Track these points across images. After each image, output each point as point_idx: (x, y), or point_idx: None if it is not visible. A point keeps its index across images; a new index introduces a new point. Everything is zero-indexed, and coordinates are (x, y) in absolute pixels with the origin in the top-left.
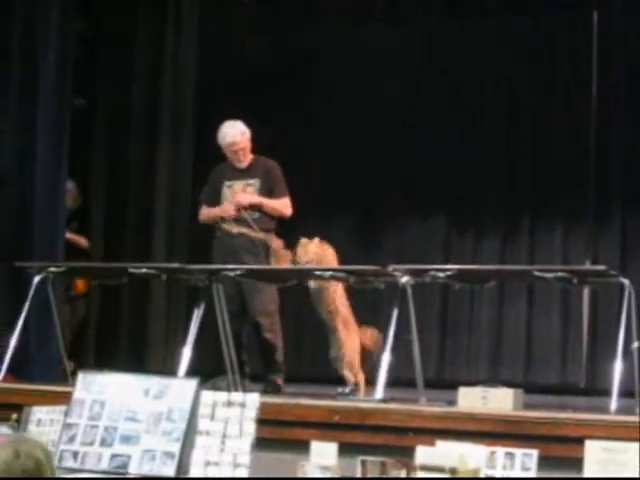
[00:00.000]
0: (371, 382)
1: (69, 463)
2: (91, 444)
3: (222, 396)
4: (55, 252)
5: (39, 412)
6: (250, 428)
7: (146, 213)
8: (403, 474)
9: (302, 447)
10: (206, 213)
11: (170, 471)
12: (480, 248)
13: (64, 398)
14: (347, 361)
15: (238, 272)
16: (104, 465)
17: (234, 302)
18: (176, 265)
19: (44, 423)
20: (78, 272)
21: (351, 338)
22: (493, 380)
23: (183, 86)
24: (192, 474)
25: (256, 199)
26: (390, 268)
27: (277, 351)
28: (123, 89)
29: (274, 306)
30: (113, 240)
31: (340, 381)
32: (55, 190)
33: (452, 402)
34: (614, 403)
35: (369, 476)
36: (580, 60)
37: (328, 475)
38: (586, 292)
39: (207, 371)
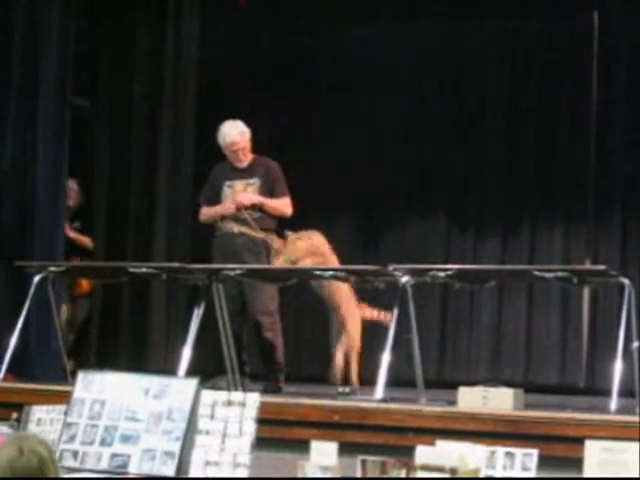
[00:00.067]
0: (371, 382)
1: (69, 462)
2: (91, 443)
3: (222, 396)
4: (55, 252)
5: (39, 411)
6: (250, 428)
7: (147, 212)
8: (403, 474)
9: (302, 447)
10: (207, 212)
11: (170, 471)
12: (480, 248)
13: (64, 397)
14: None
15: (238, 272)
16: (104, 464)
17: (234, 302)
18: (176, 265)
19: (44, 422)
20: (78, 271)
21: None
22: (493, 380)
23: (184, 86)
24: (192, 474)
25: (257, 199)
26: (390, 268)
27: (277, 350)
28: (124, 88)
29: (274, 305)
30: (114, 239)
31: (340, 381)
32: (55, 190)
33: (452, 402)
34: (614, 403)
35: (369, 476)
36: (580, 60)
37: (328, 475)
38: (586, 292)
39: (207, 371)
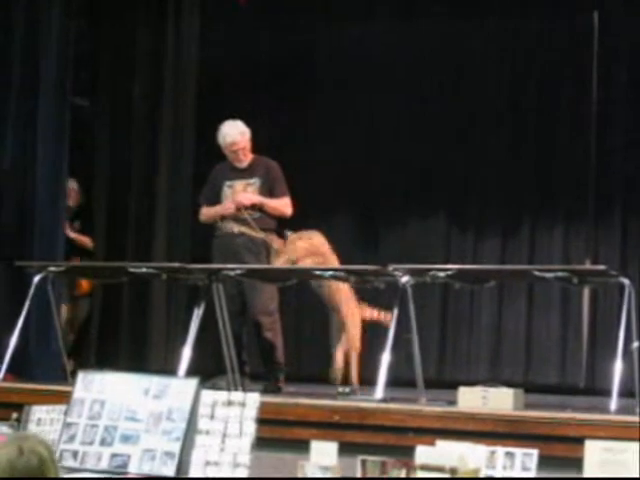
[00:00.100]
0: (371, 382)
1: (69, 462)
2: (91, 443)
3: (222, 395)
4: (55, 251)
5: (39, 411)
6: (250, 428)
7: (147, 212)
8: (403, 474)
9: (302, 447)
10: (207, 212)
11: (170, 471)
12: (480, 248)
13: (64, 397)
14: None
15: (238, 272)
16: (104, 464)
17: (234, 302)
18: (176, 265)
19: (44, 422)
20: (78, 271)
21: (353, 324)
22: (493, 380)
23: (184, 86)
24: (192, 474)
25: (257, 199)
26: (390, 268)
27: (277, 350)
28: (124, 88)
29: (274, 305)
30: (114, 239)
31: (340, 381)
32: (55, 190)
33: (452, 402)
34: (614, 403)
35: (369, 476)
36: (580, 60)
37: (328, 475)
38: (586, 292)
39: (207, 371)
